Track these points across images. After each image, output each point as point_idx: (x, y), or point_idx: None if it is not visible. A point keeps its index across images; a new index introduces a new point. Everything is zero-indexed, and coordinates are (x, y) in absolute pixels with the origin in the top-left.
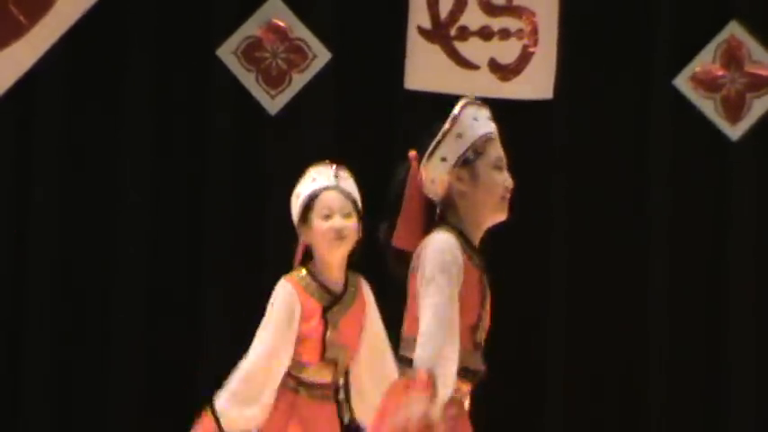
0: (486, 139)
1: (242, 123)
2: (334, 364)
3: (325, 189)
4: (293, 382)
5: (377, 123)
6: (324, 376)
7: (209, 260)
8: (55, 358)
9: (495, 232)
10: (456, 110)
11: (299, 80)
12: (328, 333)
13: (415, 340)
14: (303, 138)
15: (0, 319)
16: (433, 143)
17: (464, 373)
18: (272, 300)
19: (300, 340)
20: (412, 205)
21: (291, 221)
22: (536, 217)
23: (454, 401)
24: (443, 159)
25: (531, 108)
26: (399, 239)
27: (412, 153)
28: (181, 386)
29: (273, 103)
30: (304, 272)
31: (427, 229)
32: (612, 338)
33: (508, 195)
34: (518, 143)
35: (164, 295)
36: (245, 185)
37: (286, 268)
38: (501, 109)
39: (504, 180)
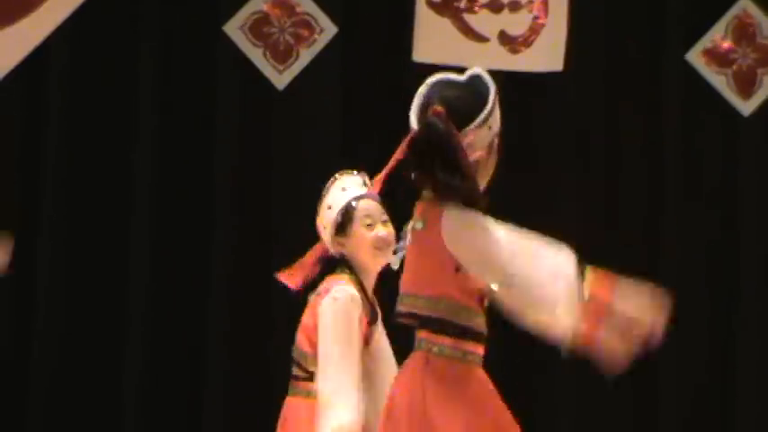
0: None
1: (250, 99)
2: None
3: (361, 198)
4: None
5: (385, 96)
6: None
7: (218, 234)
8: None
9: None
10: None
11: (306, 55)
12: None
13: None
14: (311, 112)
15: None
16: (486, 110)
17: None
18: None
19: None
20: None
21: (305, 218)
22: (543, 183)
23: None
24: (490, 128)
25: (542, 80)
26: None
27: (440, 109)
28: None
29: (281, 78)
30: (348, 279)
31: None
32: None
33: None
34: (528, 115)
35: (171, 268)
36: (253, 160)
37: (294, 245)
38: (511, 80)
39: None
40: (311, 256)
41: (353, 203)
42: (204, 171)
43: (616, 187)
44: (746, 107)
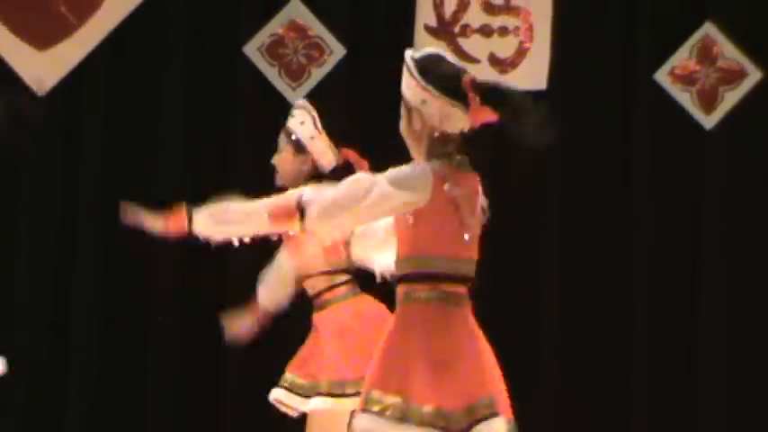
0: None
1: (266, 113)
2: None
3: None
4: None
5: (388, 110)
6: None
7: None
8: (101, 347)
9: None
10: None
11: (317, 74)
12: None
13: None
14: (321, 125)
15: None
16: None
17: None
18: None
19: None
20: None
21: None
22: (527, 195)
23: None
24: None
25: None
26: None
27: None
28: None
29: (294, 94)
30: None
31: None
32: (597, 317)
33: None
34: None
35: (189, 276)
36: (269, 169)
37: None
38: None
39: None
40: None
41: None
42: (224, 176)
43: (590, 193)
44: (709, 122)
